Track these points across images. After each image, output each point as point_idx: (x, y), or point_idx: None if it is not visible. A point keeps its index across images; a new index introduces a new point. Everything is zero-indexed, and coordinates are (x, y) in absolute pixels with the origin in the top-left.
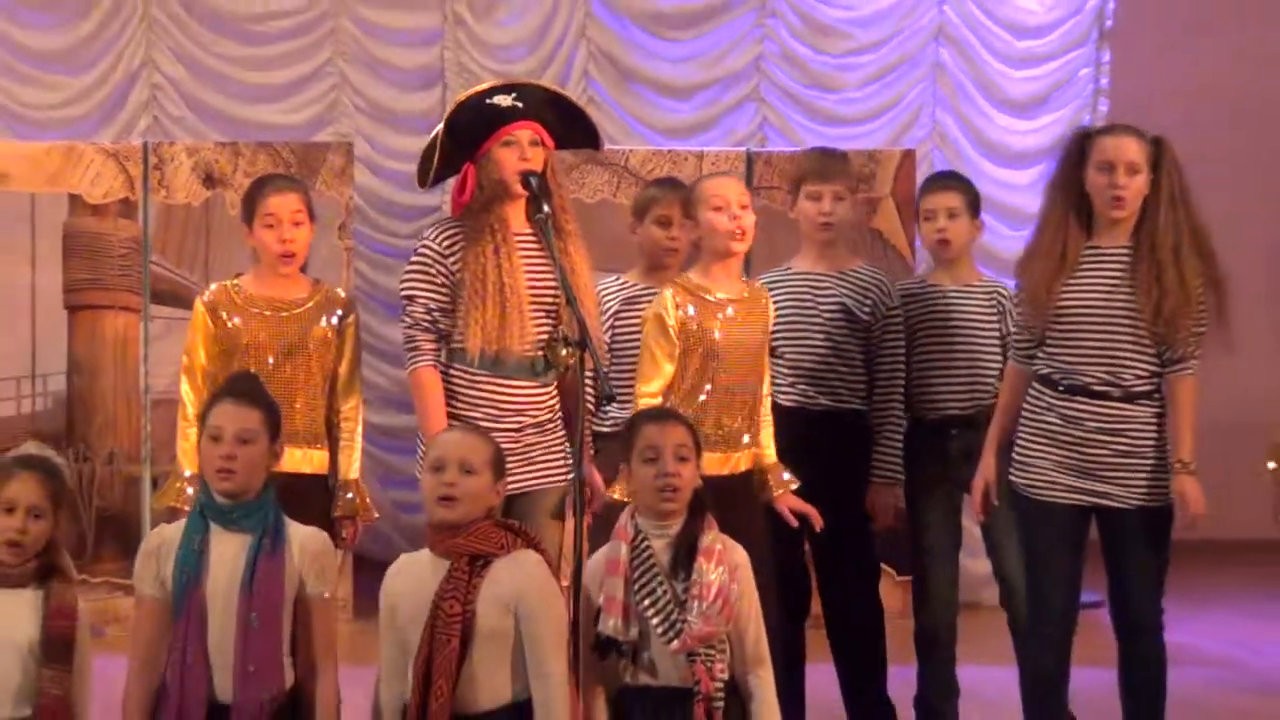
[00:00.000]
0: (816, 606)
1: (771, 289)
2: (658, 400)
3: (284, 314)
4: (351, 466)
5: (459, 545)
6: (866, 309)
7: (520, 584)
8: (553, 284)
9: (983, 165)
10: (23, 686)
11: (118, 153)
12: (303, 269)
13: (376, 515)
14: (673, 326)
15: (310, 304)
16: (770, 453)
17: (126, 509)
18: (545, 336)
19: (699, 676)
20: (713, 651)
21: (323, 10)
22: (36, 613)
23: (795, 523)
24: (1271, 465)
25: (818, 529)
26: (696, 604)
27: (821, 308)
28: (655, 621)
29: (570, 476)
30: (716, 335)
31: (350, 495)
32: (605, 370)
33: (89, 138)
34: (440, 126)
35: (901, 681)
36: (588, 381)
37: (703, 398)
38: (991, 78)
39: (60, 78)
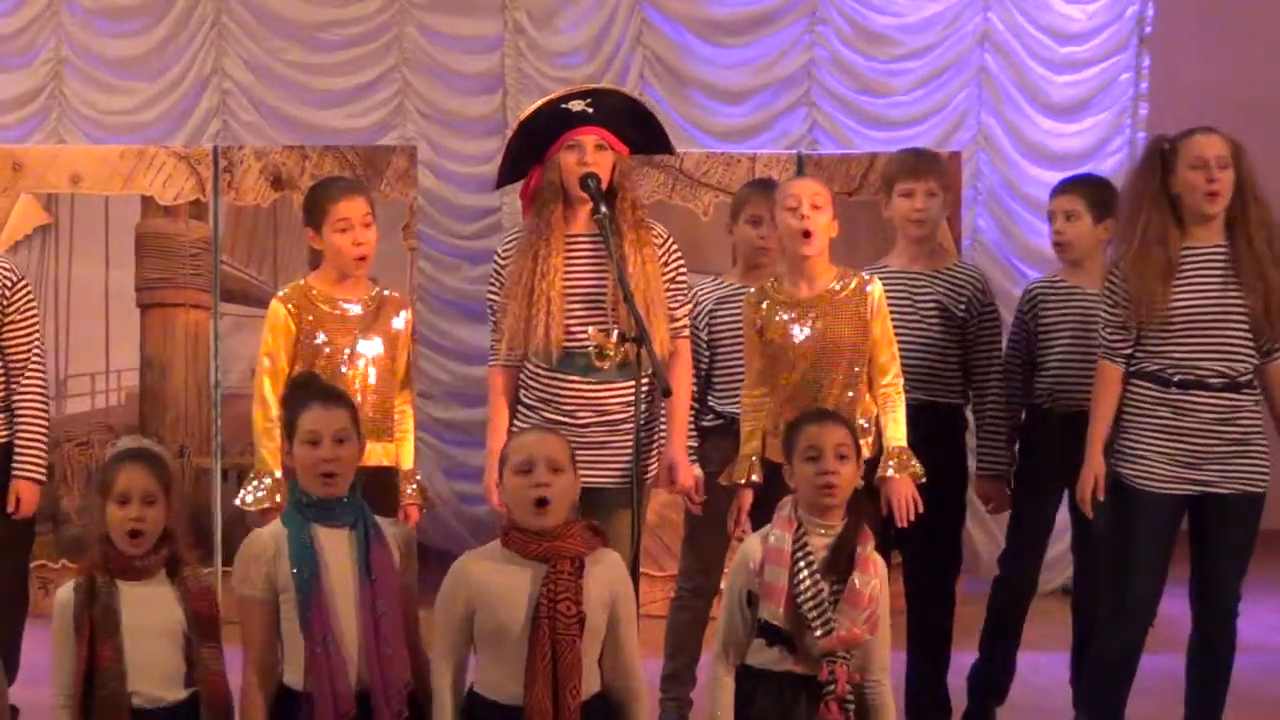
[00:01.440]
0: None
1: None
2: (757, 395)
3: (355, 315)
4: (409, 457)
5: (562, 548)
6: (962, 306)
7: (614, 584)
8: (605, 282)
9: (1025, 167)
10: (181, 671)
11: (188, 156)
12: None
13: (435, 505)
14: (753, 324)
15: (374, 304)
16: (892, 438)
17: (198, 501)
18: (587, 333)
19: (837, 676)
20: (851, 655)
21: (387, 18)
22: (177, 599)
23: (884, 510)
24: None
25: (900, 524)
26: (848, 609)
27: (919, 306)
28: (813, 615)
29: (653, 470)
30: (795, 335)
31: (411, 487)
32: (661, 367)
33: (161, 142)
34: (512, 130)
35: (952, 668)
36: (645, 377)
37: (790, 392)
38: (1034, 82)
39: (133, 84)
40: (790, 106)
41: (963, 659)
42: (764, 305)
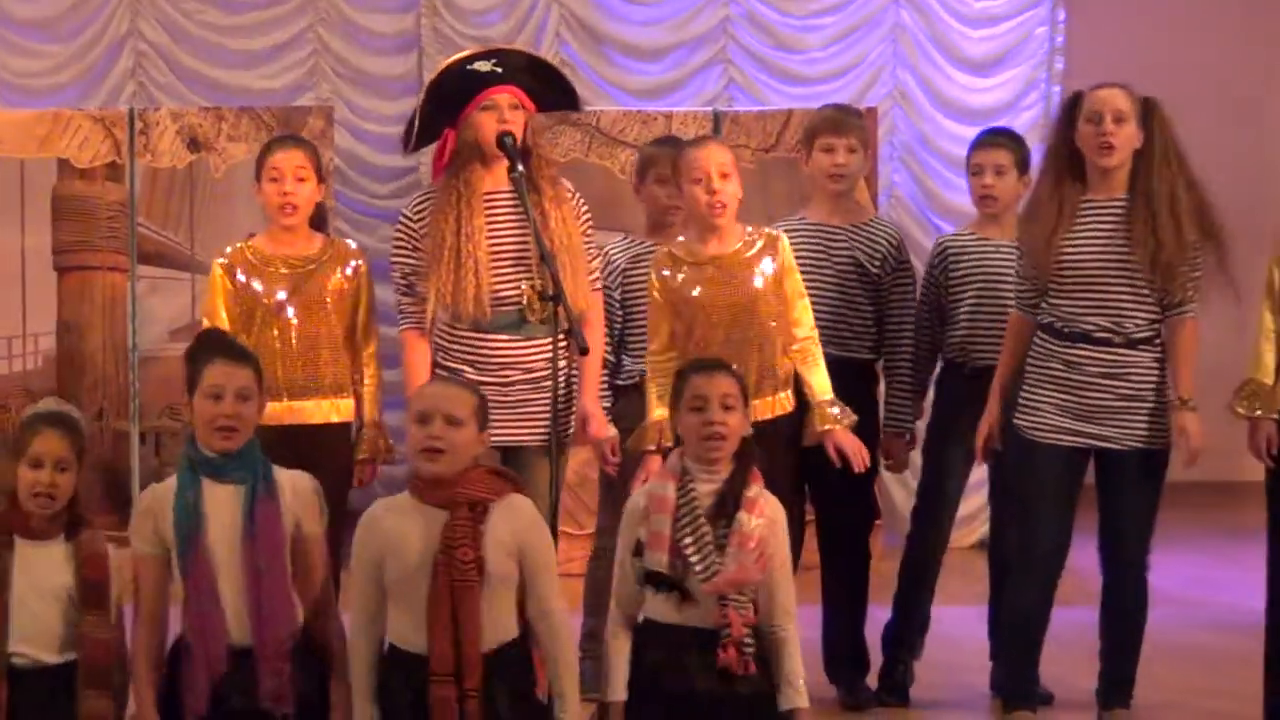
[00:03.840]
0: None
1: None
2: (662, 359)
3: (300, 270)
4: (375, 408)
5: (458, 494)
6: (877, 262)
7: (519, 529)
8: (527, 240)
9: (942, 122)
10: (65, 634)
11: (104, 118)
12: (319, 228)
13: (398, 458)
14: (658, 291)
15: (324, 259)
16: (819, 390)
17: (116, 464)
18: (516, 292)
19: (730, 620)
20: (744, 599)
21: None
22: (69, 562)
23: (838, 461)
24: (1240, 411)
25: (856, 469)
26: (735, 550)
27: (835, 260)
28: (695, 560)
29: (571, 425)
30: (700, 295)
31: (372, 435)
32: (578, 324)
33: (76, 104)
34: (422, 93)
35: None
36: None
37: (705, 351)
38: (950, 37)
39: (47, 46)
40: (706, 63)
41: (880, 613)
42: (674, 266)
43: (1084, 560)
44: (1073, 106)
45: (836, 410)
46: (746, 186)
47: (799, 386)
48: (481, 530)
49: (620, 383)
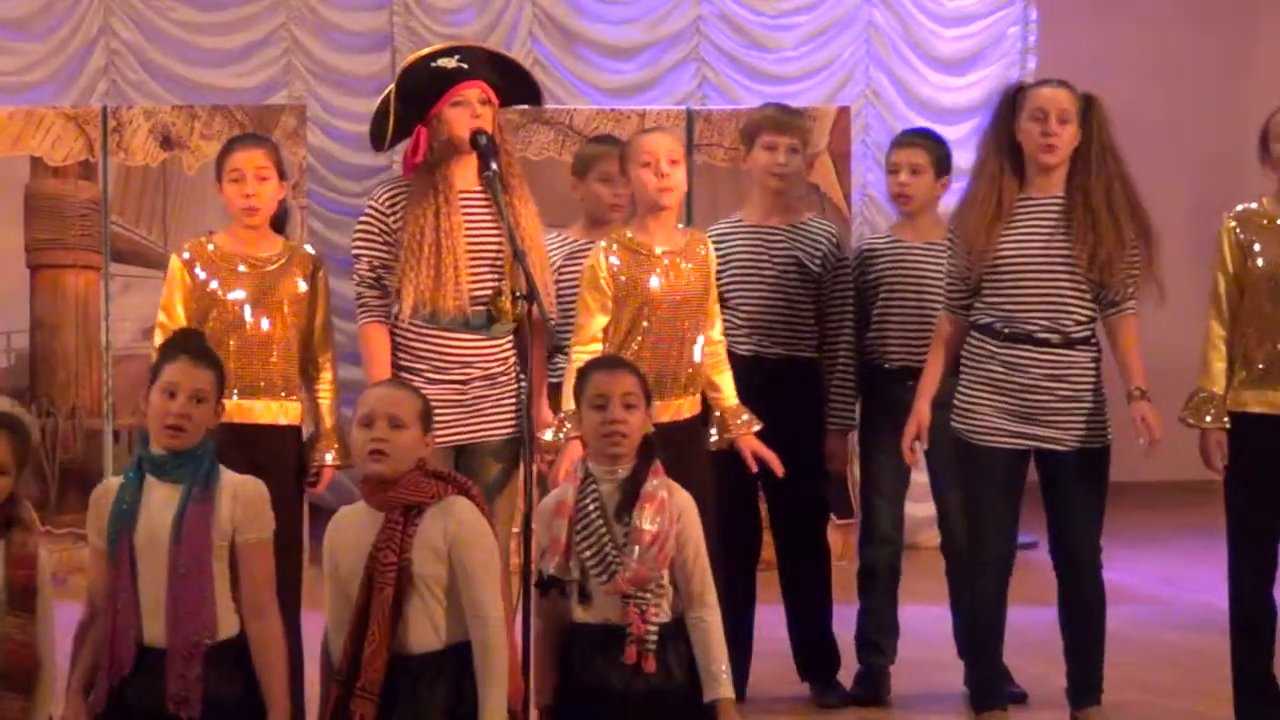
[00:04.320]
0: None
1: (723, 240)
2: (591, 350)
3: (257, 270)
4: (331, 413)
5: (391, 497)
6: (817, 261)
7: (450, 529)
8: (501, 239)
9: (915, 121)
10: None
11: (77, 116)
12: (280, 228)
13: (351, 462)
14: (604, 279)
15: (282, 260)
16: (729, 396)
17: (88, 462)
18: (490, 291)
19: (631, 619)
20: (648, 595)
21: None
22: (1, 563)
23: (755, 466)
24: (1191, 422)
25: (778, 474)
26: (634, 546)
27: (774, 259)
28: (591, 563)
29: (514, 430)
30: (651, 286)
31: (331, 443)
32: (552, 322)
33: (49, 102)
34: (390, 91)
35: (838, 620)
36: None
37: (636, 347)
38: (923, 36)
39: (20, 44)
40: (679, 62)
41: (851, 612)
42: (628, 255)
43: (1042, 558)
44: (1012, 101)
45: (746, 416)
46: (723, 184)
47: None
48: (411, 533)
49: (555, 380)
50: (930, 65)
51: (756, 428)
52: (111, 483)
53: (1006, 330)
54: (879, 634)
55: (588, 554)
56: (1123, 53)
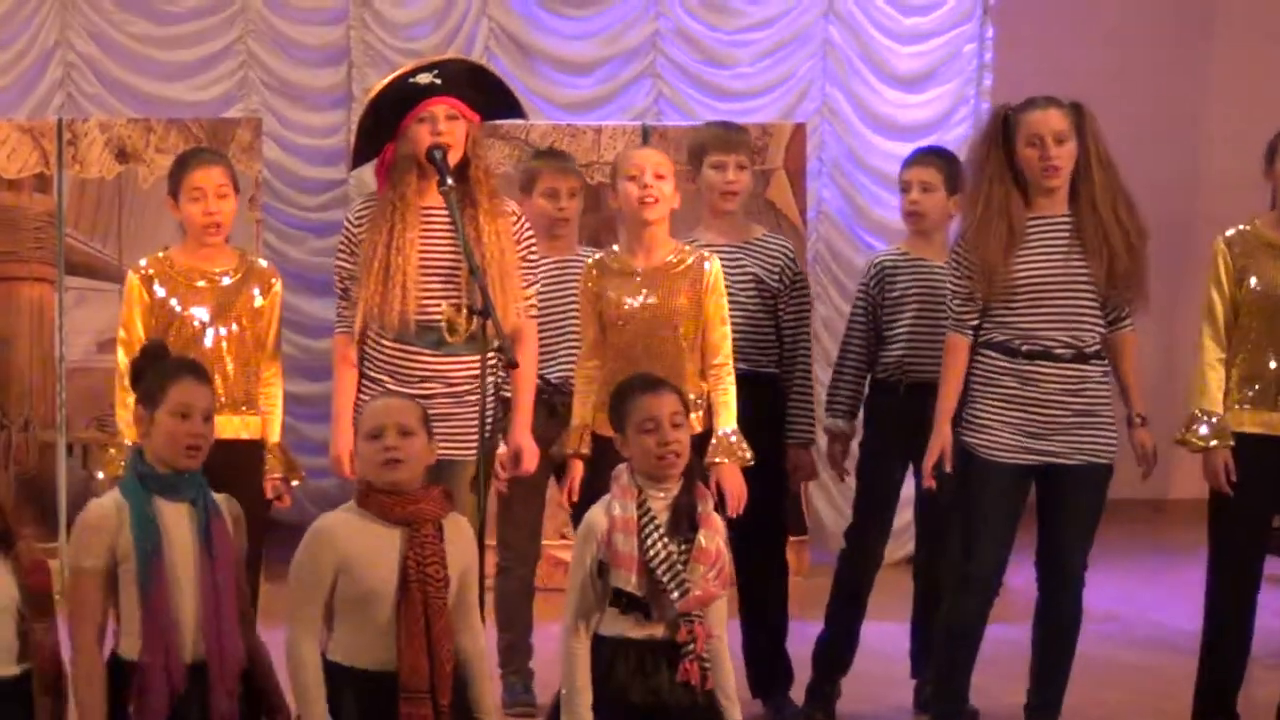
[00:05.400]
0: None
1: None
2: (591, 366)
3: (215, 284)
4: (276, 429)
5: (424, 511)
6: (775, 276)
7: (464, 548)
8: (459, 255)
9: (871, 138)
10: (15, 647)
11: (33, 129)
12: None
13: (303, 476)
14: (589, 299)
15: (239, 275)
16: (726, 419)
17: (42, 475)
18: (442, 306)
19: (696, 635)
20: (704, 614)
21: None
22: (9, 574)
23: (715, 499)
24: (1195, 444)
25: (730, 513)
26: (700, 566)
27: (733, 279)
28: (667, 579)
29: (497, 445)
30: (622, 303)
31: (280, 458)
32: (508, 339)
33: (4, 114)
34: (365, 108)
35: (792, 636)
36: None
37: (628, 364)
38: (879, 54)
39: None
40: (635, 77)
41: (808, 629)
42: (602, 276)
43: (1015, 577)
44: (1002, 124)
45: (729, 446)
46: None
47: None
48: (444, 548)
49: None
50: (886, 82)
51: (744, 456)
52: (105, 505)
53: (1025, 347)
54: (841, 647)
55: (662, 570)
56: (1079, 71)
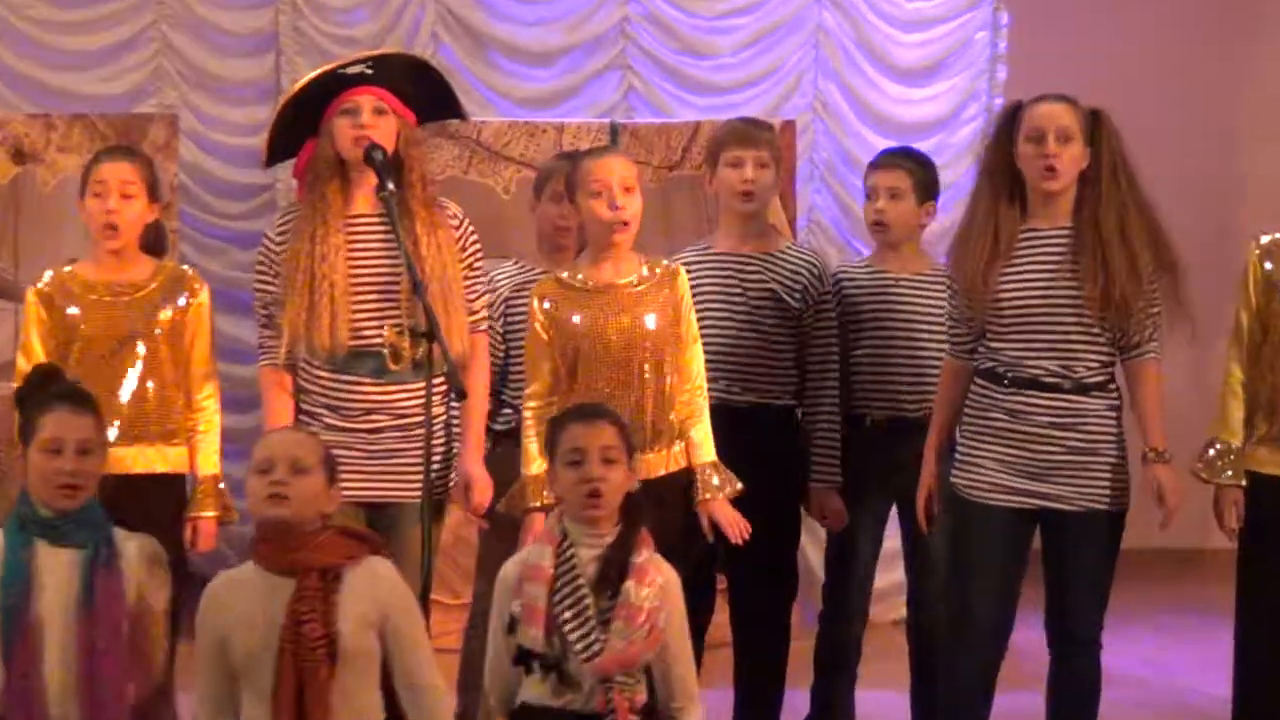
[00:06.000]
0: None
1: (689, 271)
2: (542, 404)
3: (126, 299)
4: (210, 460)
5: (305, 559)
6: (797, 295)
7: (381, 595)
8: (397, 270)
9: (869, 137)
10: None
11: None
12: (157, 252)
13: (236, 516)
14: (540, 324)
15: (154, 285)
16: (705, 450)
17: None
18: (380, 328)
19: (615, 706)
20: (632, 680)
21: None
22: None
23: (710, 536)
24: (1205, 477)
25: (734, 539)
26: (622, 625)
27: (749, 293)
28: (574, 637)
29: (451, 482)
30: (587, 325)
31: (208, 494)
32: (456, 364)
33: None
34: (283, 102)
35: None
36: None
37: (587, 394)
38: (879, 43)
39: None
40: (602, 69)
41: (798, 699)
42: (558, 295)
43: (1022, 638)
44: (1010, 120)
45: (718, 479)
46: (646, 208)
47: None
48: (334, 601)
49: (498, 427)
50: (887, 75)
51: (725, 491)
52: None
53: (1010, 376)
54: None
55: (570, 627)
56: (1105, 63)
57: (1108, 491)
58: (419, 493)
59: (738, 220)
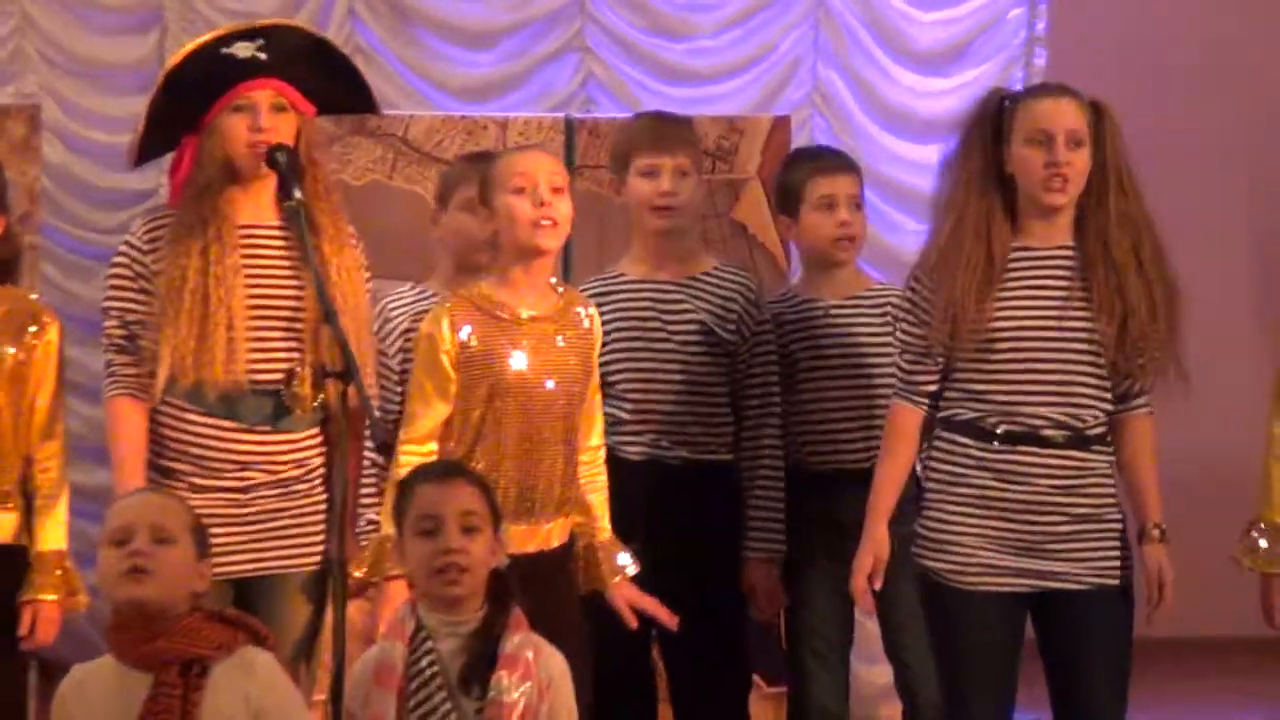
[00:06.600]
0: None
1: (598, 303)
2: (423, 451)
3: None
4: (53, 534)
5: (163, 650)
6: (730, 326)
7: (254, 693)
8: (301, 295)
9: (880, 137)
10: None
11: None
12: (3, 276)
13: (85, 602)
14: (448, 352)
15: None
16: (604, 526)
17: None
18: (283, 364)
19: None
20: None
21: None
22: None
23: (634, 622)
24: (1248, 564)
25: (668, 626)
26: None
27: (671, 328)
28: None
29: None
30: (512, 366)
31: (48, 574)
32: (377, 410)
33: None
34: (156, 85)
35: None
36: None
37: (493, 450)
38: (892, 22)
39: None
40: (556, 53)
41: None
42: (482, 321)
43: None
44: (998, 113)
45: (626, 557)
46: (609, 222)
47: None
48: (196, 699)
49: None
50: (901, 61)
51: (633, 571)
52: None
53: (1003, 429)
54: None
55: None
56: (1158, 47)
57: (1117, 562)
58: (307, 563)
59: (654, 240)
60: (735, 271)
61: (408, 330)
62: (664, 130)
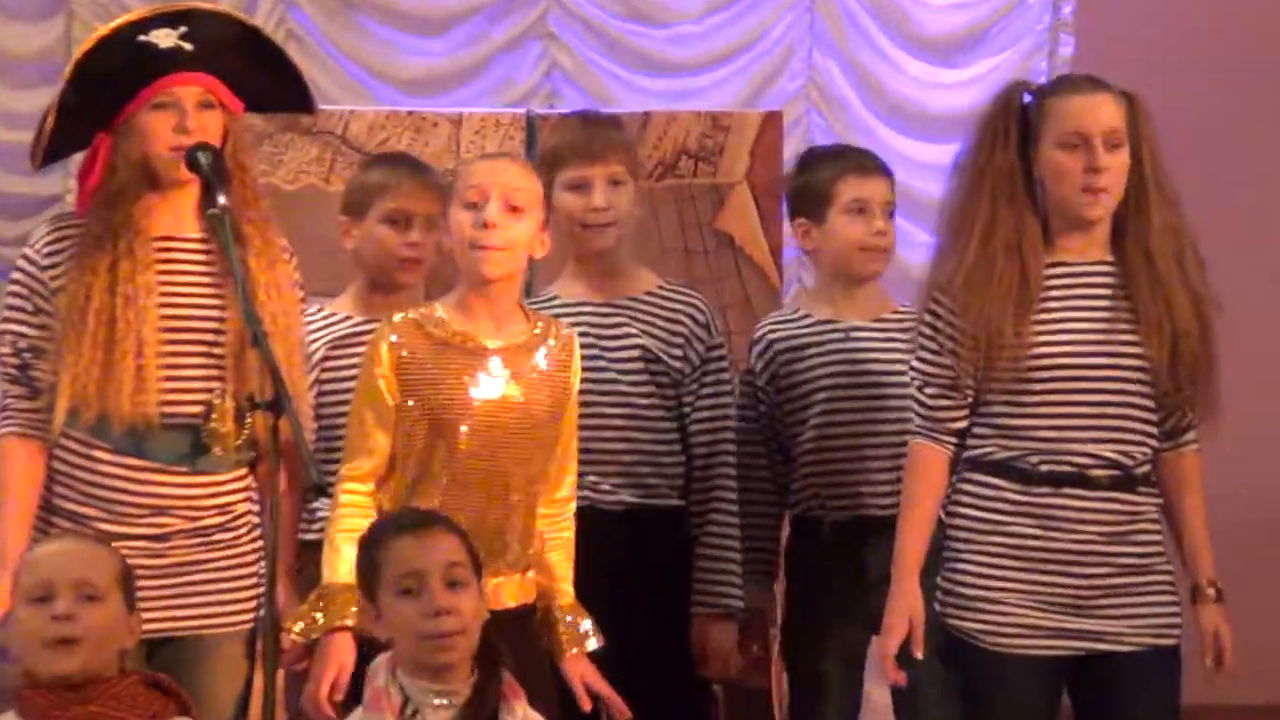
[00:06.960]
0: None
1: None
2: (364, 492)
3: None
4: None
5: (94, 716)
6: (677, 352)
7: None
8: (225, 315)
9: (885, 135)
10: None
11: None
12: None
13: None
14: (385, 377)
15: None
16: (566, 589)
17: None
18: (202, 395)
19: None
20: None
21: None
22: None
23: (587, 703)
24: None
25: (619, 718)
26: None
27: (611, 355)
28: None
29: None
30: (471, 397)
31: None
32: (311, 448)
33: None
34: (64, 77)
35: None
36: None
37: (438, 494)
38: (898, 5)
39: None
40: (516, 39)
41: None
42: (435, 348)
43: None
44: (1021, 109)
45: (587, 626)
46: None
47: None
48: None
49: (311, 537)
50: (909, 49)
51: (593, 645)
52: None
53: (1045, 468)
54: None
55: None
56: (1199, 33)
57: (1167, 621)
58: (232, 623)
59: (588, 260)
60: (682, 290)
61: (324, 358)
62: (590, 137)
